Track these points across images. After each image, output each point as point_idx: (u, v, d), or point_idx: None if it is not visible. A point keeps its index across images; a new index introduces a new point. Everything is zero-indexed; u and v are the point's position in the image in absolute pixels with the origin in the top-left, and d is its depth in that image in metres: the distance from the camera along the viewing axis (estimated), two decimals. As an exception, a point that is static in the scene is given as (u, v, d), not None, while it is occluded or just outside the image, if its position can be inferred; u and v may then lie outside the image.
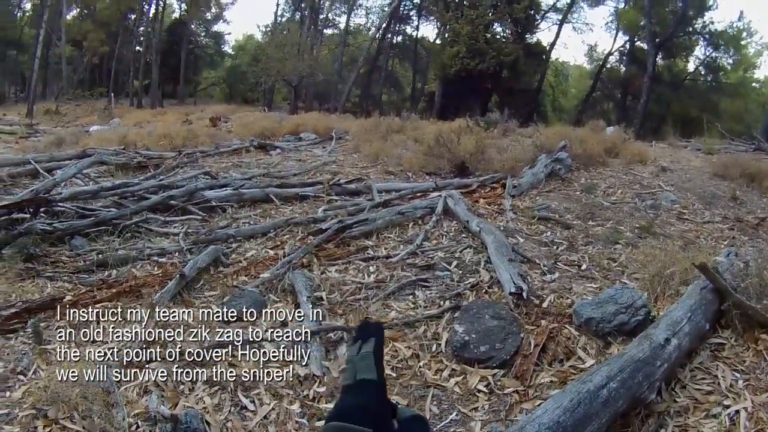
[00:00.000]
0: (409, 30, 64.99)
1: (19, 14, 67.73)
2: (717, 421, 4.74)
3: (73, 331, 6.50)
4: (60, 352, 6.05)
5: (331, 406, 5.16)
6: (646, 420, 4.71)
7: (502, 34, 47.94)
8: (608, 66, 54.54)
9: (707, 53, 47.68)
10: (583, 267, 8.24)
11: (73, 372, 5.25)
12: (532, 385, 5.29)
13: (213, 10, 71.86)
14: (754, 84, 50.58)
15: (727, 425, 4.68)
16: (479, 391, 5.33)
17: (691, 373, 5.29)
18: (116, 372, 5.53)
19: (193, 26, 70.30)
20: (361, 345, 1.97)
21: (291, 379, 5.63)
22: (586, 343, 5.83)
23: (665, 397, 4.94)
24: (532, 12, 47.60)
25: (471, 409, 5.11)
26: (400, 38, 65.44)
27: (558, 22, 51.16)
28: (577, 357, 5.63)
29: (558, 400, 4.29)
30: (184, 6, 68.04)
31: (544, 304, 6.78)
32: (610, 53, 54.41)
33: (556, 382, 5.26)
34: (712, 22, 45.66)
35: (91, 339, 6.36)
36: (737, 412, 4.81)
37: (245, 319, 6.78)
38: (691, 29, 45.55)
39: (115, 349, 6.12)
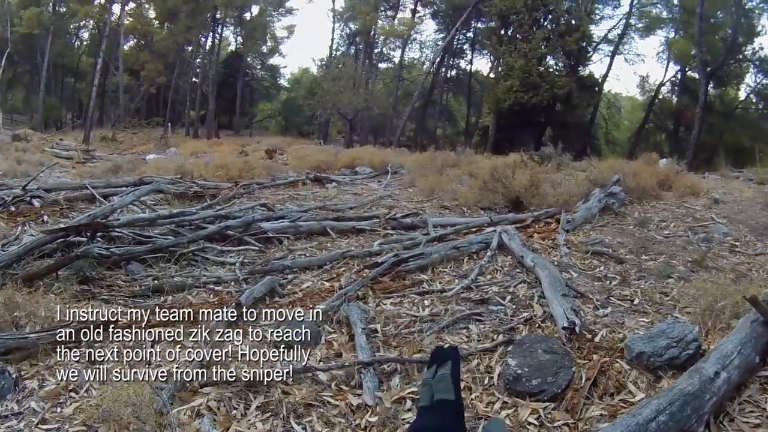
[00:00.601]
0: (462, 64, 65.11)
1: (77, 43, 69.02)
2: (764, 454, 4.79)
3: (127, 351, 6.70)
4: (113, 371, 6.21)
5: (382, 436, 5.30)
6: (694, 453, 4.77)
7: (554, 67, 47.88)
8: (660, 97, 54.10)
9: (758, 80, 47.16)
10: (636, 301, 8.26)
11: (126, 391, 5.40)
12: (582, 419, 5.33)
13: (269, 43, 72.50)
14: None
15: (774, 458, 4.73)
16: (529, 423, 5.39)
17: (740, 406, 5.31)
18: (170, 394, 5.68)
19: (249, 59, 70.94)
20: (436, 369, 2.06)
21: (344, 408, 5.74)
22: (636, 377, 5.87)
23: (713, 430, 4.96)
24: (584, 44, 47.45)
25: (521, 442, 5.19)
26: (454, 72, 65.53)
27: (610, 54, 50.96)
28: (627, 391, 5.67)
29: (607, 433, 4.39)
30: (240, 39, 68.79)
31: (596, 339, 6.83)
32: (662, 84, 54.02)
33: (606, 415, 5.30)
34: (762, 48, 45.13)
35: (145, 360, 6.55)
36: (785, 446, 4.86)
37: (301, 348, 6.96)
38: (741, 56, 45.02)
39: (169, 372, 6.29)
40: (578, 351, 6.46)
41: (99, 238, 10.32)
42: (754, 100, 48.95)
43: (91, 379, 6.10)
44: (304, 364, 6.48)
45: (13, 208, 13.32)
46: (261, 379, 6.02)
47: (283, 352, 6.83)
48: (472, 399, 5.83)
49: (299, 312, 7.93)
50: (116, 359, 6.56)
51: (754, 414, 5.24)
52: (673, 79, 53.12)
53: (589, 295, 8.34)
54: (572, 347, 6.52)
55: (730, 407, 5.29)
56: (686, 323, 6.65)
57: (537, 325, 7.38)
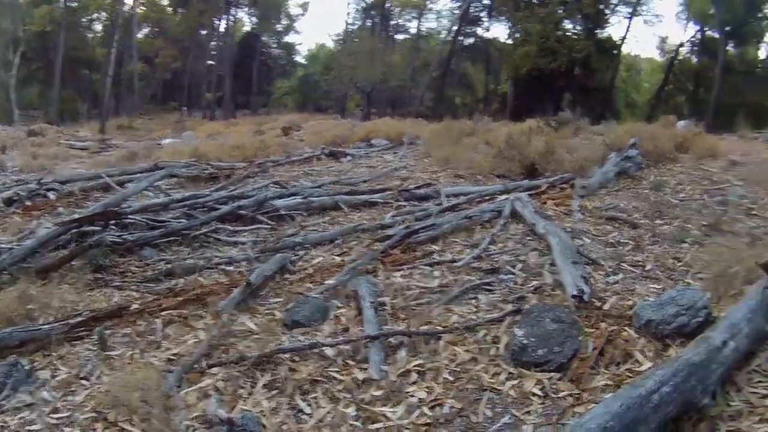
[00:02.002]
0: (480, 31, 65.16)
1: (90, 35, 69.37)
2: (772, 425, 4.66)
3: (138, 338, 6.74)
4: (124, 357, 6.30)
5: (387, 409, 5.25)
6: (697, 424, 4.61)
7: (572, 30, 47.61)
8: (680, 58, 53.82)
9: (778, 39, 46.56)
10: (648, 267, 8.14)
11: (135, 377, 5.40)
12: (587, 389, 5.23)
13: (283, 21, 72.83)
14: (828, 69, 49.25)
15: (782, 430, 4.61)
16: (534, 394, 5.30)
17: (748, 375, 5.18)
18: (178, 376, 5.67)
19: (264, 38, 71.15)
20: None
21: (349, 382, 5.69)
22: (644, 346, 5.74)
23: (719, 400, 4.83)
24: (601, 7, 47.19)
25: (524, 413, 5.08)
26: (471, 40, 65.51)
27: (628, 16, 50.67)
28: (634, 360, 5.55)
29: (608, 405, 4.26)
30: (254, 19, 68.85)
31: (606, 306, 6.72)
32: (681, 44, 53.95)
33: (611, 385, 5.19)
34: (781, 6, 44.46)
35: (156, 345, 6.58)
36: (794, 416, 4.73)
37: (308, 325, 6.92)
38: (761, 15, 44.45)
39: (178, 355, 6.31)
40: (586, 319, 6.34)
41: (112, 226, 10.34)
42: (774, 60, 48.42)
43: (102, 366, 6.15)
44: (310, 341, 6.43)
45: (29, 203, 13.34)
46: (268, 358, 5.99)
47: (291, 329, 6.83)
48: (477, 370, 5.76)
49: (309, 288, 7.93)
50: (127, 345, 6.61)
51: (762, 384, 5.09)
52: (693, 39, 52.92)
53: (600, 262, 8.24)
54: (580, 316, 6.40)
55: (738, 377, 5.15)
56: (697, 290, 6.51)
57: (547, 293, 7.29)
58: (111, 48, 52.33)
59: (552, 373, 5.55)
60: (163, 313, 7.27)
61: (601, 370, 5.50)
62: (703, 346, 4.95)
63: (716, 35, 45.23)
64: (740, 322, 5.35)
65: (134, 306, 7.54)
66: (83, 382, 5.89)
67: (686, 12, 50.69)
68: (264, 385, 5.66)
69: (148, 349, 6.48)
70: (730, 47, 44.59)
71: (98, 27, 70.10)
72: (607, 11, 49.32)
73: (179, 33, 63.30)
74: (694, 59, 52.17)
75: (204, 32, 67.22)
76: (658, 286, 7.47)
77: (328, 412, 5.26)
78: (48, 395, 5.66)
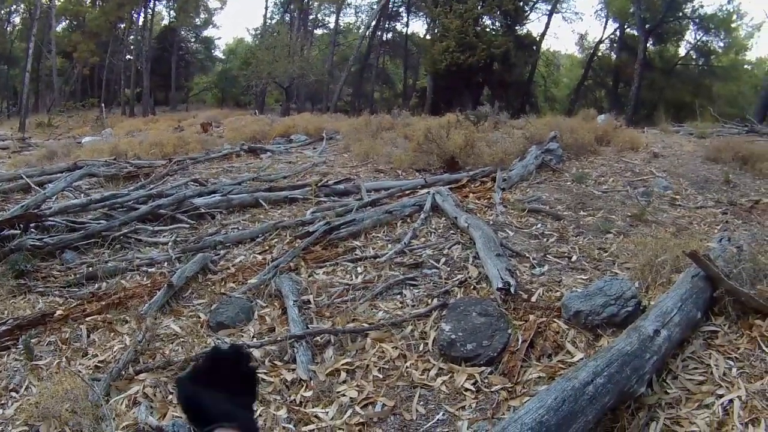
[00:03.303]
0: (399, 27, 65.42)
1: (8, 28, 67.87)
2: (710, 411, 4.61)
3: (64, 345, 6.50)
4: (50, 367, 6.08)
5: (318, 410, 5.12)
6: (636, 413, 4.60)
7: (491, 26, 47.92)
8: (599, 54, 54.71)
9: (698, 37, 47.58)
10: (574, 258, 8.14)
11: (63, 386, 5.22)
12: (520, 382, 5.18)
13: (202, 15, 72.31)
14: (746, 66, 50.55)
15: (720, 415, 4.55)
16: (466, 389, 5.23)
17: (683, 363, 5.18)
18: (106, 384, 5.47)
19: (182, 32, 70.46)
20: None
21: (278, 384, 5.54)
22: (575, 337, 5.71)
23: (656, 389, 4.82)
24: (521, 3, 47.57)
25: (458, 408, 5.01)
26: (390, 35, 65.78)
27: (547, 13, 51.20)
28: (566, 351, 5.52)
29: (542, 399, 4.16)
30: (173, 13, 68.15)
31: (533, 299, 6.68)
32: (600, 41, 54.66)
33: (545, 377, 5.15)
34: (702, 6, 45.49)
35: (82, 352, 6.36)
36: (731, 401, 4.68)
37: (233, 326, 6.73)
38: (680, 14, 45.33)
39: (105, 362, 6.09)
40: (514, 312, 6.31)
41: (33, 229, 10.03)
42: (694, 57, 49.41)
43: (30, 376, 5.96)
44: (236, 342, 6.29)
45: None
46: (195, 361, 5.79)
47: (216, 331, 6.70)
48: (407, 367, 5.68)
49: (232, 288, 7.77)
50: (53, 354, 6.41)
51: (698, 371, 5.10)
52: (612, 36, 53.76)
53: (525, 254, 8.20)
54: (508, 308, 6.36)
55: (674, 364, 5.16)
56: (625, 279, 6.49)
57: (472, 287, 7.22)
58: (30, 41, 51.10)
59: (483, 368, 5.49)
60: (87, 319, 7.07)
61: (532, 362, 5.46)
62: (635, 335, 4.91)
63: (636, 33, 45.95)
64: (671, 310, 5.34)
65: (58, 312, 7.28)
66: (12, 394, 5.71)
67: (605, 9, 51.46)
68: (194, 390, 5.45)
69: (75, 357, 6.29)
70: (649, 44, 45.32)
71: (17, 20, 68.75)
72: (526, 8, 49.79)
73: (97, 26, 62.20)
74: (614, 56, 52.98)
75: (122, 26, 66.28)
76: (584, 277, 7.45)
77: (260, 415, 5.13)
78: (-22, 409, 5.44)
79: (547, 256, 8.22)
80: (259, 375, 1.81)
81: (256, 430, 1.65)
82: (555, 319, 6.05)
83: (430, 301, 6.95)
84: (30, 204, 11.71)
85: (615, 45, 53.23)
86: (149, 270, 8.85)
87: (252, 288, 7.64)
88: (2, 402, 5.55)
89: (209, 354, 1.73)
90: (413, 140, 16.49)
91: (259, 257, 9.06)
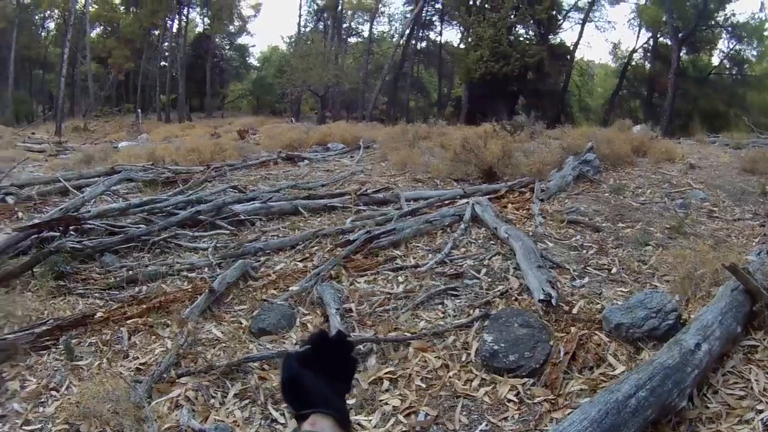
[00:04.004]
0: (432, 35, 65.43)
1: (43, 34, 68.49)
2: (750, 426, 4.63)
3: (104, 347, 6.59)
4: (91, 368, 6.16)
5: (362, 417, 5.18)
6: (677, 428, 4.62)
7: (525, 35, 47.86)
8: (633, 63, 54.32)
9: (731, 46, 47.22)
10: (613, 271, 8.17)
11: (104, 387, 5.27)
12: (562, 394, 5.22)
13: (236, 23, 72.44)
14: (778, 75, 49.96)
15: (760, 430, 4.60)
16: (509, 400, 5.27)
17: (723, 377, 5.20)
18: (148, 386, 5.55)
19: (217, 40, 70.68)
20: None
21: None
22: (616, 350, 5.75)
23: (697, 403, 4.86)
24: (554, 12, 47.49)
25: (501, 419, 5.05)
26: (424, 44, 65.71)
27: (580, 22, 50.96)
28: (607, 364, 5.56)
29: (585, 411, 4.22)
30: (206, 20, 68.47)
31: (574, 311, 6.71)
32: (634, 50, 54.32)
33: (587, 389, 5.19)
34: (734, 14, 45.18)
35: (123, 354, 6.45)
36: (771, 416, 4.73)
37: (275, 332, 6.82)
38: (713, 22, 44.99)
39: (146, 365, 6.19)
40: (556, 324, 6.35)
41: (72, 232, 10.16)
42: (727, 66, 49.04)
43: (71, 376, 6.01)
44: (279, 348, 6.36)
45: (-14, 208, 13.02)
46: (238, 367, 5.91)
47: (258, 337, 6.74)
48: (450, 377, 5.73)
49: (273, 295, 7.84)
50: (94, 354, 6.47)
51: (738, 385, 5.12)
52: (645, 45, 53.41)
53: (565, 266, 8.23)
54: (549, 320, 6.40)
55: (714, 379, 5.19)
56: (665, 293, 6.54)
57: (513, 298, 7.27)
58: (64, 47, 51.47)
59: (525, 379, 5.53)
60: (128, 322, 7.13)
61: (574, 374, 5.50)
62: (676, 349, 4.94)
63: (669, 42, 45.64)
64: (712, 324, 5.37)
65: (99, 314, 7.34)
66: (53, 393, 5.76)
67: (638, 18, 51.15)
68: (235, 394, 5.58)
69: (116, 359, 6.34)
70: (683, 54, 45.00)
71: (51, 26, 69.45)
72: (559, 17, 49.68)
73: (131, 33, 62.61)
74: (648, 65, 52.61)
75: (156, 32, 66.64)
76: (625, 290, 7.47)
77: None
78: (19, 406, 5.54)
79: (587, 268, 8.25)
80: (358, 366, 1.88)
81: (348, 420, 1.67)
82: (596, 332, 6.09)
83: (471, 311, 6.99)
84: (69, 207, 11.87)
85: (648, 54, 52.92)
86: (189, 275, 8.93)
87: (293, 295, 7.68)
88: (42, 400, 5.63)
89: (316, 337, 1.76)
90: (450, 150, 16.53)
91: (300, 265, 9.11)
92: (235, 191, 13.85)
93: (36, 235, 9.76)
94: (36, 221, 10.50)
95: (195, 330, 6.72)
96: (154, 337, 6.81)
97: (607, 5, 54.52)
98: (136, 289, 8.44)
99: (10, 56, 57.55)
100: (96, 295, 8.19)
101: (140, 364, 6.21)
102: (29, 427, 5.23)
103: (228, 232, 10.90)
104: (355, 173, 16.58)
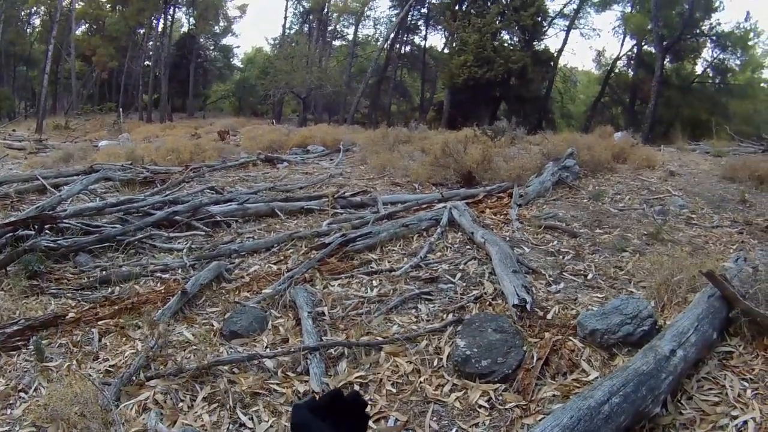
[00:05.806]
0: (417, 40, 65.52)
1: (28, 30, 68.24)
2: (724, 432, 4.61)
3: (75, 348, 6.48)
4: (61, 369, 6.05)
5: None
6: (650, 434, 4.59)
7: (509, 41, 47.96)
8: (616, 71, 54.62)
9: (715, 55, 47.49)
10: (590, 276, 8.12)
11: (73, 389, 5.17)
12: (534, 400, 5.15)
13: (221, 23, 72.39)
14: (762, 84, 50.26)
15: (734, 437, 4.55)
16: (480, 406, 5.19)
17: (698, 383, 5.16)
18: (116, 389, 5.44)
19: (201, 40, 70.62)
20: None
21: (290, 395, 5.51)
22: (590, 355, 5.70)
23: (671, 409, 4.80)
24: (539, 19, 47.65)
25: (471, 425, 4.97)
26: (408, 48, 65.79)
27: (565, 29, 51.26)
28: (581, 370, 5.50)
29: (557, 418, 4.15)
30: (192, 20, 68.35)
31: (549, 316, 6.66)
32: (617, 58, 54.60)
33: (559, 396, 5.12)
34: (719, 24, 45.44)
35: (93, 356, 6.34)
36: (745, 422, 4.66)
37: (247, 336, 6.72)
38: (698, 31, 45.25)
39: (116, 367, 6.07)
40: (530, 329, 6.29)
41: (47, 231, 10.04)
42: (710, 74, 49.32)
43: (40, 377, 5.92)
44: (249, 352, 6.25)
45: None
46: (207, 370, 5.79)
47: (229, 340, 6.65)
48: (421, 382, 5.64)
49: (246, 297, 7.76)
50: (64, 355, 6.38)
51: (713, 391, 5.08)
52: (629, 53, 53.73)
53: (541, 271, 8.18)
54: (523, 325, 6.34)
55: (688, 385, 5.14)
56: (641, 299, 6.49)
57: (488, 302, 7.19)
58: (49, 44, 51.21)
59: (497, 384, 5.45)
60: (99, 323, 7.04)
61: (547, 380, 5.43)
62: (651, 355, 4.90)
63: (653, 50, 45.81)
64: (687, 330, 5.33)
65: (70, 315, 7.27)
66: (21, 394, 5.66)
67: (623, 26, 51.36)
68: (204, 398, 5.46)
69: (86, 360, 6.24)
70: (666, 62, 45.17)
71: (37, 22, 69.14)
72: (544, 23, 49.80)
73: (116, 31, 62.58)
74: (631, 73, 52.84)
75: (142, 31, 66.56)
76: (600, 295, 7.43)
77: (271, 426, 5.11)
78: (-14, 408, 5.43)
79: (563, 273, 8.20)
80: (368, 424, 1.83)
81: None
82: (570, 337, 6.03)
83: (445, 316, 6.92)
84: (45, 205, 11.82)
85: (632, 62, 53.14)
86: (163, 276, 8.84)
87: (266, 298, 7.61)
88: (10, 402, 5.52)
89: (331, 392, 1.76)
90: (430, 154, 16.55)
91: (274, 267, 9.04)
92: (213, 192, 13.79)
93: (11, 233, 9.61)
94: (11, 219, 10.41)
95: (166, 332, 6.63)
96: (125, 338, 6.69)
97: (593, 12, 54.69)
98: (109, 289, 8.32)
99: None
100: (69, 295, 8.08)
101: (110, 366, 6.10)
102: (-4, 430, 5.11)
103: (203, 233, 10.82)
104: (334, 176, 16.57)
